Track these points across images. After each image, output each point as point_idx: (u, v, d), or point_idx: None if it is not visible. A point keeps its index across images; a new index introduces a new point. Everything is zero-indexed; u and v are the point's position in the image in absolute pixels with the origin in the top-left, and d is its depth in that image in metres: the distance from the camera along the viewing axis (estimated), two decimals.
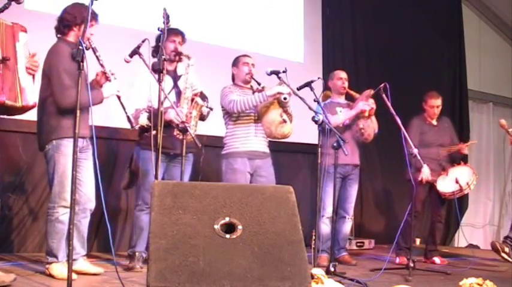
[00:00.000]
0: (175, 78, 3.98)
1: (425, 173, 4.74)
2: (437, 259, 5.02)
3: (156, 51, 3.86)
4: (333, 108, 4.72)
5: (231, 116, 4.25)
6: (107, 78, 3.46)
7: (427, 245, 5.19)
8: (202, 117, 3.97)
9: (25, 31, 3.13)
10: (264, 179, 4.20)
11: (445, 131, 5.10)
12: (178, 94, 3.91)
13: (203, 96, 3.97)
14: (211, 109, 3.96)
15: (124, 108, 3.47)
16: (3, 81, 2.88)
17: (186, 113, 3.76)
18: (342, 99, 4.86)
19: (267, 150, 4.32)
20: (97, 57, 3.40)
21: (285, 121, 4.16)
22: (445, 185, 4.85)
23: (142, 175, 3.89)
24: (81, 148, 3.47)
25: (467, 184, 4.81)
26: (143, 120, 3.79)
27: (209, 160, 4.54)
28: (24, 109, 3.13)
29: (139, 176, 3.93)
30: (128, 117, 3.48)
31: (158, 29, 3.52)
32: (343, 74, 4.87)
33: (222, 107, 4.28)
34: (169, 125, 3.66)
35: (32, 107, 3.15)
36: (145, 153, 3.86)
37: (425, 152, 4.71)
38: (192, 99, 3.88)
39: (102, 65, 3.42)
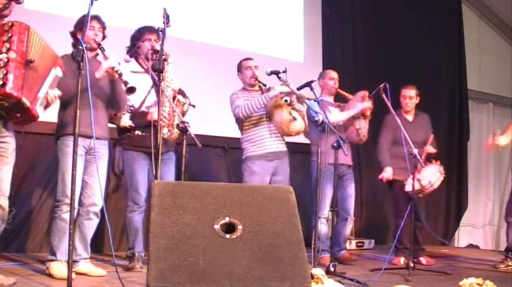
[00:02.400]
0: (154, 76, 3.95)
1: (387, 174, 4.71)
2: (423, 259, 4.87)
3: (134, 51, 3.88)
4: (325, 107, 4.72)
5: (243, 121, 4.28)
6: (106, 58, 3.48)
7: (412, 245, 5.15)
8: (182, 114, 3.94)
9: (62, 68, 3.21)
10: (280, 178, 4.29)
11: (420, 127, 4.94)
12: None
13: (182, 93, 3.95)
14: (193, 106, 3.94)
15: (120, 76, 3.46)
16: (24, 81, 2.92)
17: (169, 112, 3.75)
18: (331, 99, 4.86)
19: (284, 148, 4.38)
20: (100, 48, 3.48)
21: (295, 118, 4.20)
22: (410, 184, 4.75)
23: (129, 176, 3.88)
24: (88, 149, 3.50)
25: (430, 182, 4.58)
26: (125, 121, 3.79)
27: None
28: (31, 113, 3.05)
29: (125, 177, 3.92)
30: (124, 81, 3.45)
31: (158, 29, 3.53)
32: (334, 74, 4.87)
33: (233, 113, 4.32)
34: (154, 125, 3.56)
35: (34, 116, 3.08)
36: (129, 154, 3.88)
37: (396, 150, 4.60)
38: (174, 97, 3.86)
39: (103, 52, 3.46)
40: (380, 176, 4.76)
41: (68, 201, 3.35)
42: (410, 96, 4.94)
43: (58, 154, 3.50)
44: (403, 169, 4.61)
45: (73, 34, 3.60)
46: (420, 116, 5.06)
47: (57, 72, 3.18)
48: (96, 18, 3.57)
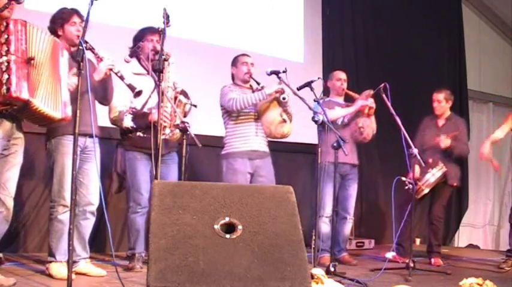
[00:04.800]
0: (155, 77, 3.92)
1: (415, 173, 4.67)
2: (433, 259, 4.93)
3: (134, 51, 3.87)
4: (331, 107, 4.72)
5: (230, 115, 4.24)
6: (100, 59, 3.42)
7: (427, 245, 5.18)
8: (184, 114, 3.93)
9: (68, 50, 3.20)
10: (263, 179, 4.19)
11: (448, 132, 4.91)
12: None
13: (184, 94, 3.94)
14: (195, 106, 3.92)
15: (122, 79, 3.42)
16: (29, 80, 2.89)
17: (170, 112, 3.73)
18: (340, 100, 4.87)
19: (267, 149, 4.31)
20: (89, 48, 3.38)
21: (284, 121, 4.16)
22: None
23: (131, 177, 3.87)
24: (83, 148, 3.47)
25: (419, 183, 4.68)
26: (127, 122, 3.78)
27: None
28: (63, 121, 3.11)
29: (127, 177, 3.91)
30: (128, 85, 3.42)
31: (158, 29, 3.53)
32: (342, 75, 4.87)
33: (222, 106, 4.27)
34: (154, 125, 3.50)
35: (70, 119, 3.11)
36: (130, 154, 3.86)
37: (422, 155, 4.56)
38: (176, 98, 3.85)
39: (92, 51, 3.38)
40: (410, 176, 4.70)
41: (63, 202, 3.36)
42: (438, 99, 4.95)
43: (53, 154, 3.44)
44: (425, 173, 4.69)
45: (53, 30, 3.47)
46: (452, 121, 5.03)
47: (64, 60, 3.13)
48: (76, 12, 3.48)
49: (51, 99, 3.03)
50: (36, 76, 2.96)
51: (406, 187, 4.54)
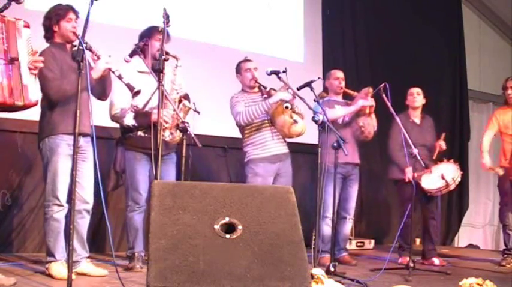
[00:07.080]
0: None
1: (410, 174, 4.61)
2: (436, 260, 4.87)
3: (134, 50, 3.85)
4: (331, 106, 4.73)
5: (244, 126, 4.29)
6: (98, 58, 3.39)
7: (424, 245, 5.13)
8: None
9: (28, 27, 3.06)
10: (283, 179, 4.32)
11: (427, 130, 4.99)
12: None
13: (187, 99, 3.92)
14: (198, 113, 3.89)
15: (121, 78, 3.40)
16: (11, 82, 2.86)
17: (172, 115, 3.72)
18: (339, 99, 4.87)
19: (286, 150, 4.41)
20: (88, 48, 3.33)
21: (296, 121, 4.22)
22: (430, 182, 4.70)
23: (130, 176, 3.87)
24: (76, 147, 3.44)
25: (453, 179, 4.67)
26: (129, 120, 3.78)
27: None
28: (26, 107, 3.06)
29: (126, 176, 3.91)
30: (127, 84, 3.39)
31: (158, 29, 3.52)
32: (339, 74, 4.87)
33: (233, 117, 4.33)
34: (155, 126, 3.48)
35: (34, 104, 3.07)
36: (130, 153, 3.86)
37: (406, 151, 4.51)
38: (180, 101, 3.84)
39: (90, 49, 3.34)
40: (406, 179, 4.66)
41: (57, 201, 3.36)
42: (417, 92, 4.98)
43: (47, 153, 3.42)
44: (415, 170, 4.59)
45: (48, 26, 3.44)
46: (426, 119, 5.08)
47: (23, 41, 2.96)
48: (72, 8, 3.45)
49: (18, 90, 2.94)
50: (14, 75, 2.89)
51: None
